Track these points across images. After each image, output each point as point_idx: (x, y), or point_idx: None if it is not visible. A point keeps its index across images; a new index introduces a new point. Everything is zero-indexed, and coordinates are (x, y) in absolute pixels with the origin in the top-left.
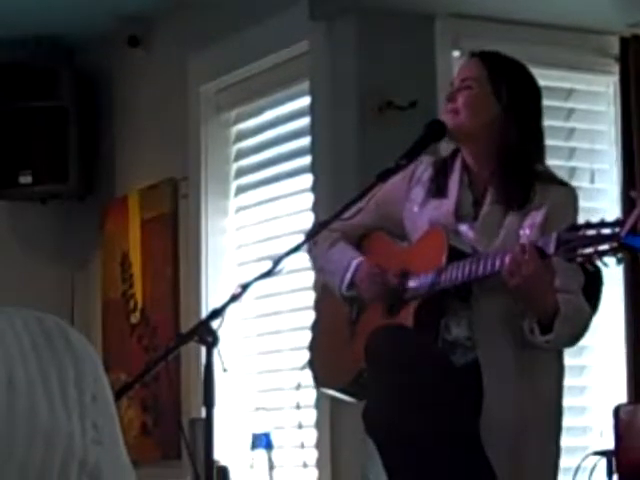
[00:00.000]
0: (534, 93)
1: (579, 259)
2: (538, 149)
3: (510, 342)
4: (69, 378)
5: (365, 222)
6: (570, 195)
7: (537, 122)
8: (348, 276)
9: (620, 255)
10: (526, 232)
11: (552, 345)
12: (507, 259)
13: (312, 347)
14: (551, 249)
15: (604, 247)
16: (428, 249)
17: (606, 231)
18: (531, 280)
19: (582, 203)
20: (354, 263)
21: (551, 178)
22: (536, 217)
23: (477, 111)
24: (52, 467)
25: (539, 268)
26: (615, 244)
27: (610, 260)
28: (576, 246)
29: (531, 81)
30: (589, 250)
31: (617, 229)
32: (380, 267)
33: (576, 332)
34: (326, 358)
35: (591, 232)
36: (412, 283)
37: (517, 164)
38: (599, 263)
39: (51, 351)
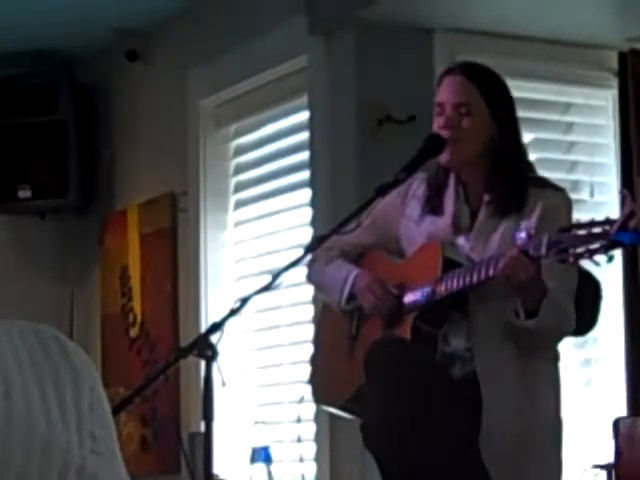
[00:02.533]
0: (513, 103)
1: (571, 259)
2: (526, 157)
3: (509, 353)
4: (66, 388)
5: (361, 241)
6: (563, 198)
7: (519, 130)
8: (347, 289)
9: (611, 253)
10: (521, 235)
11: (534, 332)
12: (500, 264)
13: (313, 362)
14: (542, 251)
15: (595, 246)
16: (424, 262)
17: (596, 230)
18: (525, 284)
19: (582, 216)
20: (352, 275)
21: (544, 183)
22: (530, 221)
23: (478, 137)
24: (50, 476)
25: (532, 272)
26: (606, 242)
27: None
28: (567, 246)
29: (509, 90)
30: (580, 249)
31: (607, 227)
32: (377, 276)
33: (560, 322)
34: (326, 375)
35: (582, 232)
36: (409, 296)
37: (511, 173)
38: (590, 262)
39: (48, 361)
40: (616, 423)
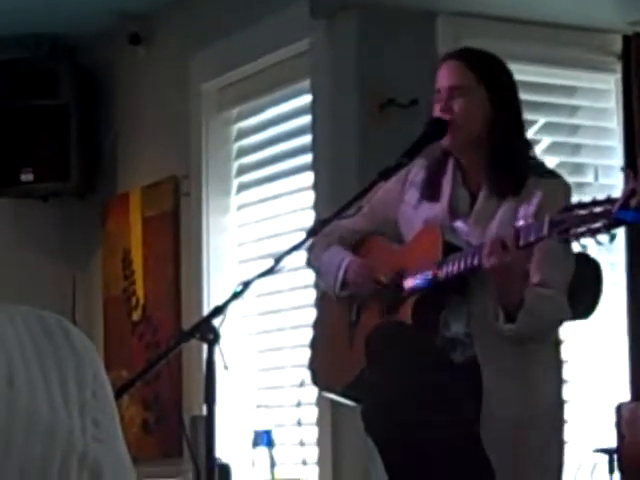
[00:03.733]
0: (514, 85)
1: (573, 239)
2: (526, 141)
3: (508, 338)
4: (69, 375)
5: (361, 227)
6: (563, 186)
7: (520, 115)
8: (340, 276)
9: (613, 232)
10: (520, 222)
11: (515, 336)
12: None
13: (313, 346)
14: (545, 231)
15: (597, 225)
16: (423, 246)
17: (598, 209)
18: (501, 270)
19: (586, 198)
20: (344, 263)
21: (544, 171)
22: (529, 208)
23: (475, 119)
24: (52, 463)
25: (507, 260)
26: (607, 220)
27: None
28: (569, 226)
29: (510, 74)
30: (582, 229)
31: (609, 206)
32: (369, 263)
33: (542, 327)
34: (326, 361)
35: (583, 211)
36: (409, 281)
37: (510, 157)
38: (593, 240)
39: (51, 348)
40: (619, 408)
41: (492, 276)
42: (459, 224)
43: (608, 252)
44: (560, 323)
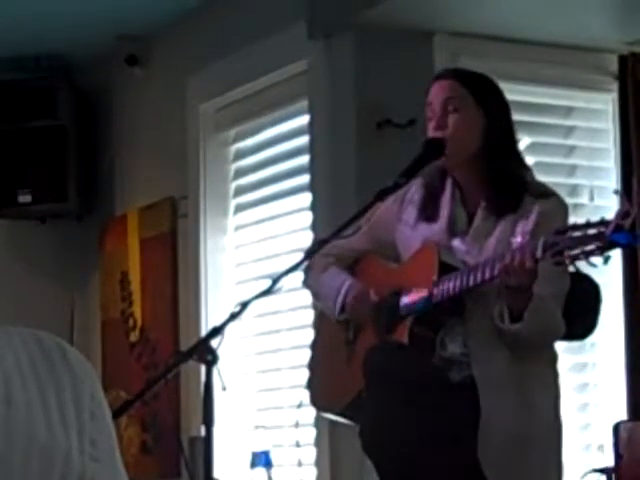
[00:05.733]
0: (507, 105)
1: (567, 261)
2: (521, 158)
3: (505, 357)
4: (67, 396)
5: (358, 246)
6: (559, 204)
7: (514, 132)
8: (340, 300)
9: (607, 254)
10: (517, 240)
11: (520, 336)
12: (499, 265)
13: (311, 366)
14: (539, 253)
15: (591, 247)
16: (420, 266)
17: (592, 231)
18: (520, 287)
19: (581, 221)
20: (344, 288)
21: (540, 190)
22: (526, 226)
23: (468, 134)
24: None
25: (531, 276)
26: (601, 243)
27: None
28: (563, 248)
29: (502, 93)
30: (576, 251)
31: (603, 228)
32: (367, 288)
33: (546, 328)
34: (324, 381)
35: (577, 233)
36: (405, 300)
37: (506, 174)
38: (586, 263)
39: (49, 369)
40: (616, 427)
41: (506, 283)
42: (456, 243)
43: (605, 272)
44: (559, 330)
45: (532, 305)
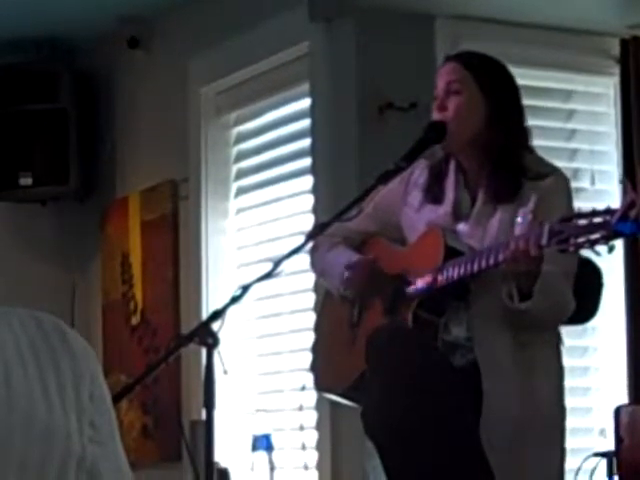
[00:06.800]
0: (515, 89)
1: (571, 249)
2: (524, 142)
3: (509, 342)
4: (67, 377)
5: (364, 228)
6: (559, 181)
7: (521, 118)
8: (346, 274)
9: (612, 243)
10: (519, 221)
11: (529, 314)
12: (504, 253)
13: (315, 349)
14: (544, 240)
15: (596, 235)
16: (425, 249)
17: (597, 220)
18: (531, 267)
19: (583, 204)
20: (352, 262)
21: (539, 172)
22: (527, 209)
23: (469, 117)
24: (51, 465)
25: (537, 261)
26: (606, 232)
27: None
28: (568, 236)
29: (511, 77)
30: (581, 239)
31: (608, 217)
32: (376, 262)
33: (555, 304)
34: (327, 362)
35: (583, 222)
36: (411, 283)
37: (506, 160)
38: (591, 251)
39: (49, 351)
40: (617, 411)
41: (512, 269)
42: (461, 227)
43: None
44: (568, 308)
45: (541, 282)
